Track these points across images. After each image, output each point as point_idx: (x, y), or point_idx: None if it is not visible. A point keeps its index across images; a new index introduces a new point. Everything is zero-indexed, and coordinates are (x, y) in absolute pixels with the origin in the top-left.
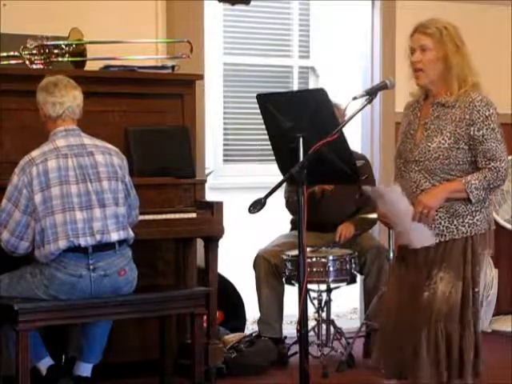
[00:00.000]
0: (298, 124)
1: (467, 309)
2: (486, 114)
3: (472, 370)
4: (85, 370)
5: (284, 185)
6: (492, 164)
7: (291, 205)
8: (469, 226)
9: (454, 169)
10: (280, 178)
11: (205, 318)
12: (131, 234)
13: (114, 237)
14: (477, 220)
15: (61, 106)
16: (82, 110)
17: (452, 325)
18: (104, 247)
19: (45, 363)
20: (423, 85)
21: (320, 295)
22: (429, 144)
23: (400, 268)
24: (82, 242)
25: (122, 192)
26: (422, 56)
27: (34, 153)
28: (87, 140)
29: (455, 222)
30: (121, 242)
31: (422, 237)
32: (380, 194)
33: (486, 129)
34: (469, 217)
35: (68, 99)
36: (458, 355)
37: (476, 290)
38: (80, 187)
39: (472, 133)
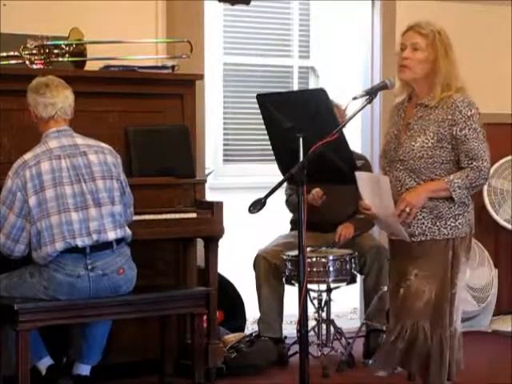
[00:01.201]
0: (298, 124)
1: (443, 309)
2: (468, 114)
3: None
4: (84, 369)
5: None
6: (474, 163)
7: (290, 204)
8: (451, 229)
9: (438, 167)
10: (280, 177)
11: (205, 318)
12: (128, 232)
13: (111, 236)
14: (459, 223)
15: (53, 107)
16: (73, 110)
17: (424, 323)
18: (102, 247)
19: (45, 363)
20: (406, 80)
21: (320, 295)
22: (413, 143)
23: (392, 265)
24: (79, 242)
25: (117, 190)
26: (412, 54)
27: (27, 155)
28: (80, 140)
29: (438, 224)
30: (118, 241)
31: (397, 231)
32: (370, 178)
33: (468, 129)
34: (451, 219)
35: (59, 100)
36: (430, 355)
37: (453, 291)
38: (74, 188)
39: (454, 133)
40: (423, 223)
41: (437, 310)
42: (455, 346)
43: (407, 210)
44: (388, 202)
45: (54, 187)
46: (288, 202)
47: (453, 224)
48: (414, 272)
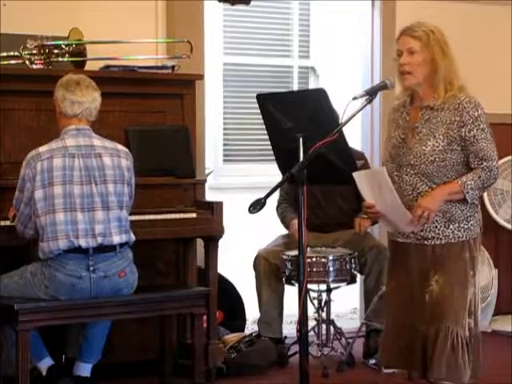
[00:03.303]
0: (297, 124)
1: (468, 311)
2: (476, 114)
3: (471, 373)
4: (84, 369)
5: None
6: (485, 164)
7: (279, 215)
8: (464, 231)
9: (449, 170)
10: (280, 177)
11: (205, 317)
12: (133, 237)
13: (116, 240)
14: (471, 225)
15: (79, 105)
16: (98, 112)
17: (454, 327)
18: (105, 249)
19: (45, 363)
20: (410, 86)
21: (320, 295)
22: (423, 148)
23: (397, 267)
24: (83, 243)
25: (126, 195)
26: (410, 58)
27: (42, 148)
28: (97, 141)
29: (451, 227)
30: (122, 244)
31: (406, 223)
32: (367, 175)
33: (477, 129)
34: (464, 222)
35: (87, 100)
36: (460, 358)
37: (476, 291)
38: (84, 188)
39: (463, 134)
40: (436, 227)
41: (460, 312)
42: (480, 344)
43: (425, 215)
44: (390, 193)
45: (63, 184)
46: (278, 212)
47: (466, 226)
48: (434, 278)
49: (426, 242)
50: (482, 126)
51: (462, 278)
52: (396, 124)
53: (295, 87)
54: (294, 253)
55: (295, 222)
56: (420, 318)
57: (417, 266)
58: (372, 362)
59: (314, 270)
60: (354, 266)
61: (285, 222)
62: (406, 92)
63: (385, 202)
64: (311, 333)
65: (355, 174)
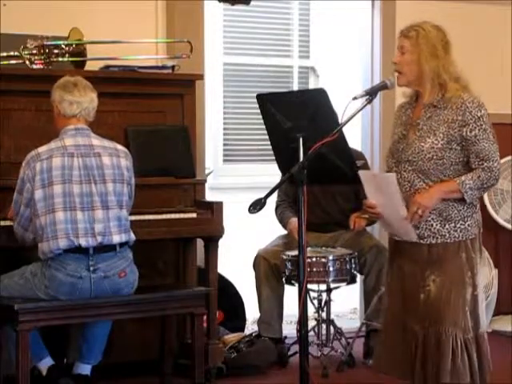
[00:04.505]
0: (297, 124)
1: (464, 312)
2: (478, 114)
3: (480, 376)
4: (84, 369)
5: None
6: (485, 164)
7: (277, 217)
8: (460, 231)
9: (447, 169)
10: (280, 177)
11: (205, 318)
12: (133, 236)
13: (116, 239)
14: (468, 225)
15: (78, 105)
16: (96, 114)
17: (453, 329)
18: (105, 249)
19: (45, 363)
20: (402, 85)
21: (320, 295)
22: (422, 144)
23: (395, 267)
24: (83, 242)
25: (126, 195)
26: (401, 58)
27: (41, 148)
28: (96, 141)
29: (447, 226)
30: (122, 244)
31: (405, 232)
32: (375, 178)
33: (479, 129)
34: (461, 222)
35: (85, 100)
36: (459, 359)
37: (475, 293)
38: (83, 187)
39: (464, 134)
40: (432, 225)
41: (458, 313)
42: (485, 347)
43: (419, 212)
44: (397, 202)
45: (62, 183)
46: (276, 213)
47: (462, 226)
48: (431, 278)
49: (422, 241)
50: (484, 126)
51: (458, 279)
52: (400, 121)
53: (295, 87)
54: (294, 253)
55: (293, 219)
56: (414, 317)
57: (413, 264)
58: (372, 362)
59: (314, 269)
60: (353, 265)
61: (282, 222)
62: (412, 90)
63: (388, 206)
64: (311, 333)
65: (361, 173)
